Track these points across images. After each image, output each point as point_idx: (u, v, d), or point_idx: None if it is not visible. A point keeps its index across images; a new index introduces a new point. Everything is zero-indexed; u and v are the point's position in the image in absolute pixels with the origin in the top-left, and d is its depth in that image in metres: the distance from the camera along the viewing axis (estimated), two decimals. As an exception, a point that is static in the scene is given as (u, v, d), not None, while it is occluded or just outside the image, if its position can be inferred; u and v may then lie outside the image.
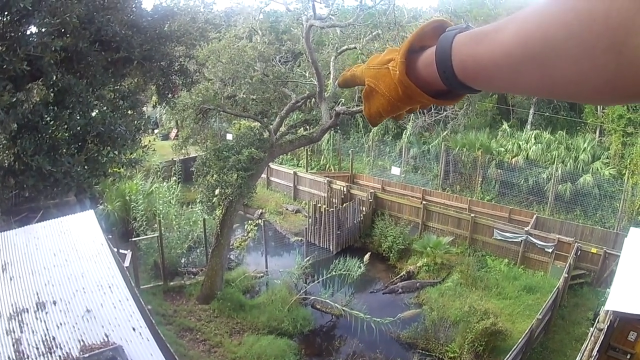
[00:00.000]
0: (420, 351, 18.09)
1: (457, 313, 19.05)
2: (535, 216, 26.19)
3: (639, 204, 26.69)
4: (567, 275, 20.02)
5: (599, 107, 34.90)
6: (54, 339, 9.66)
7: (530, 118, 36.73)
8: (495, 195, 30.66)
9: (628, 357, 15.31)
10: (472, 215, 25.11)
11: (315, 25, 17.35)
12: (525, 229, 23.77)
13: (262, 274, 22.04)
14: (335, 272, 19.97)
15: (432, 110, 34.72)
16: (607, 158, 30.52)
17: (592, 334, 14.17)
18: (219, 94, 18.79)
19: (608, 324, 14.03)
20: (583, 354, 13.88)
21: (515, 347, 15.35)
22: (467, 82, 1.00)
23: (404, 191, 29.93)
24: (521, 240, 23.46)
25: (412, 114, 34.11)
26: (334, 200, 27.99)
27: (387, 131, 35.08)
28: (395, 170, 31.80)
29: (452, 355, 17.65)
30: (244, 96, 19.43)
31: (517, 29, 0.82)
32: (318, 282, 20.55)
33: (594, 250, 22.52)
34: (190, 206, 24.96)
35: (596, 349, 13.38)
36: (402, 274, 22.98)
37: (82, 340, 9.72)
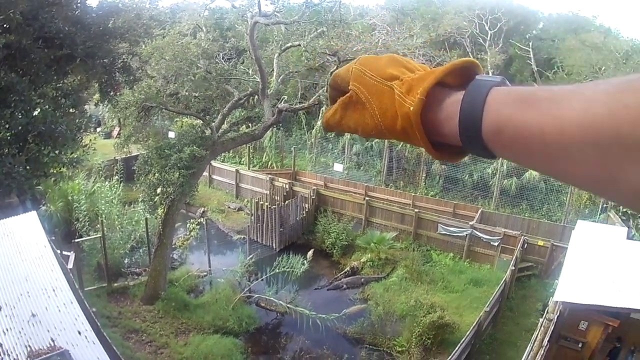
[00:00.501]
0: (368, 346, 17.97)
1: (403, 307, 18.97)
2: (480, 210, 26.38)
3: (586, 197, 27.46)
4: (514, 268, 20.13)
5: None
6: (0, 345, 9.36)
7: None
8: (439, 190, 30.85)
9: (580, 345, 15.61)
10: (416, 210, 25.16)
11: (260, 22, 17.12)
12: (470, 223, 23.92)
13: (205, 273, 21.66)
14: (278, 269, 19.75)
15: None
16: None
17: (542, 325, 14.23)
18: (161, 92, 18.40)
19: (558, 314, 14.17)
20: (534, 344, 14.03)
21: (463, 339, 15.41)
22: (494, 147, 0.86)
23: (347, 188, 29.88)
24: (466, 235, 23.60)
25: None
26: (276, 198, 27.65)
27: (330, 128, 35.07)
28: (338, 167, 31.73)
29: (400, 349, 17.59)
30: (187, 93, 19.10)
31: (584, 109, 0.69)
32: (262, 280, 20.29)
33: (540, 243, 22.76)
34: (132, 205, 24.41)
35: (547, 339, 13.48)
36: (346, 270, 22.95)
37: (29, 346, 9.55)
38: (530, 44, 37.86)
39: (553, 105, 0.74)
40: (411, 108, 0.96)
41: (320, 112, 30.46)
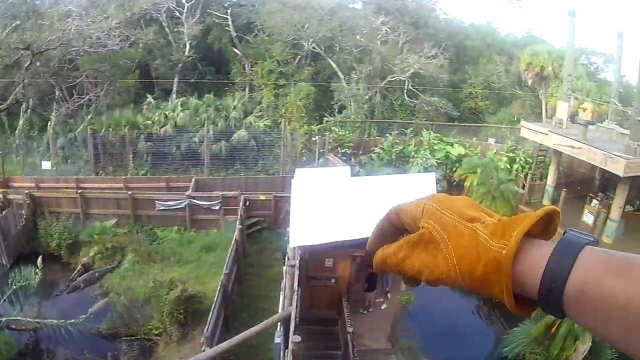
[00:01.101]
0: (126, 338, 17.43)
1: (144, 291, 18.60)
2: (194, 179, 26.45)
3: (300, 147, 29.10)
4: (241, 226, 20.74)
5: (246, 65, 36.88)
6: None
7: (175, 87, 36.69)
8: (149, 168, 30.11)
9: (333, 281, 16.73)
10: (130, 192, 24.48)
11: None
12: (187, 193, 23.99)
13: None
14: (15, 285, 18.22)
15: (75, 96, 33.02)
16: (260, 111, 32.51)
17: (287, 272, 15.00)
18: None
19: (299, 259, 15.03)
20: (285, 291, 14.74)
21: (213, 305, 15.56)
22: (572, 307, 0.81)
23: (59, 184, 27.50)
24: (185, 205, 23.69)
25: (56, 103, 32.15)
26: (-8, 210, 25.03)
27: (32, 126, 32.47)
28: (46, 165, 29.55)
29: (156, 332, 17.35)
30: None
31: None
32: (4, 301, 18.57)
33: (262, 197, 23.78)
34: None
35: (295, 283, 14.25)
36: (78, 268, 21.80)
37: None
38: (229, 11, 38.10)
39: None
40: (503, 252, 0.87)
41: (21, 110, 28.14)
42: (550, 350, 16.50)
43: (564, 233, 0.87)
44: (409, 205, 1.06)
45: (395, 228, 1.10)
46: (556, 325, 16.26)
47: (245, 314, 18.02)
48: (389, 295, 19.27)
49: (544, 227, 0.92)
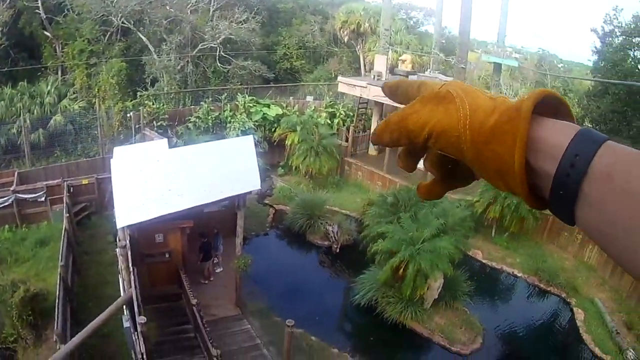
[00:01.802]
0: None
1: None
2: (16, 173, 24.89)
3: (116, 125, 28.48)
4: (68, 215, 20.42)
5: (57, 47, 34.98)
6: None
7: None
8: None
9: (167, 255, 17.01)
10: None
11: None
12: (11, 189, 22.82)
13: None
14: None
15: None
16: (74, 93, 31.28)
17: (120, 254, 15.03)
18: None
19: (129, 238, 15.07)
20: (121, 273, 14.78)
21: (57, 300, 15.21)
22: (589, 196, 0.72)
23: None
24: (12, 201, 22.59)
25: None
26: None
27: None
28: None
29: (12, 338, 16.38)
30: None
31: None
32: None
33: (85, 181, 23.54)
34: None
35: (130, 263, 14.32)
36: None
37: None
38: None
39: None
40: (519, 105, 0.82)
41: None
42: (402, 292, 17.39)
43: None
44: (434, 83, 0.99)
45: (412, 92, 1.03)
46: (402, 267, 17.11)
47: (91, 303, 17.83)
48: (219, 259, 19.85)
49: (553, 115, 0.85)
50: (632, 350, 17.35)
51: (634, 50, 28.10)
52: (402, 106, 0.99)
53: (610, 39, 29.51)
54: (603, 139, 0.74)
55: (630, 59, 27.97)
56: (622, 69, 26.89)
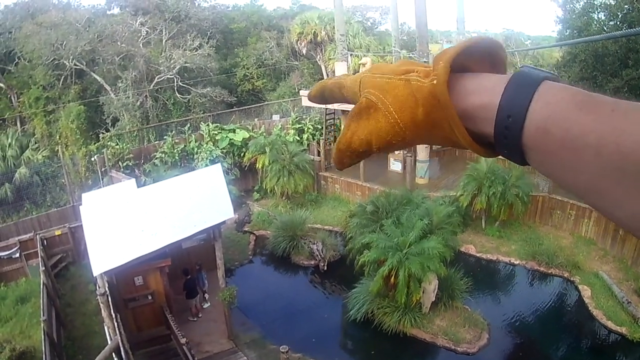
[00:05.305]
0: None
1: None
2: None
3: (83, 171, 28.04)
4: (44, 268, 20.01)
5: (13, 97, 34.58)
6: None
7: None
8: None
9: (150, 297, 16.63)
10: None
11: None
12: (-16, 248, 22.39)
13: None
14: None
15: None
16: (36, 143, 30.86)
17: (100, 302, 14.71)
18: None
19: (108, 285, 14.71)
20: (105, 321, 14.46)
21: (43, 356, 14.78)
22: (534, 149, 0.73)
23: None
24: (-14, 261, 22.03)
25: None
26: None
27: None
28: None
29: None
30: None
31: None
32: None
33: (57, 232, 23.15)
34: None
35: (112, 310, 14.02)
36: None
37: None
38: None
39: (616, 115, 0.64)
40: (434, 81, 0.81)
41: None
42: (397, 300, 17.04)
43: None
44: (348, 80, 1.03)
45: (339, 96, 1.07)
46: (393, 275, 16.80)
47: (81, 355, 17.57)
48: (206, 295, 19.40)
49: (491, 66, 0.87)
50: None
51: (598, 13, 27.88)
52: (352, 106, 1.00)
53: (571, 5, 29.29)
54: (536, 82, 0.73)
55: (595, 22, 27.72)
56: (588, 34, 26.74)
